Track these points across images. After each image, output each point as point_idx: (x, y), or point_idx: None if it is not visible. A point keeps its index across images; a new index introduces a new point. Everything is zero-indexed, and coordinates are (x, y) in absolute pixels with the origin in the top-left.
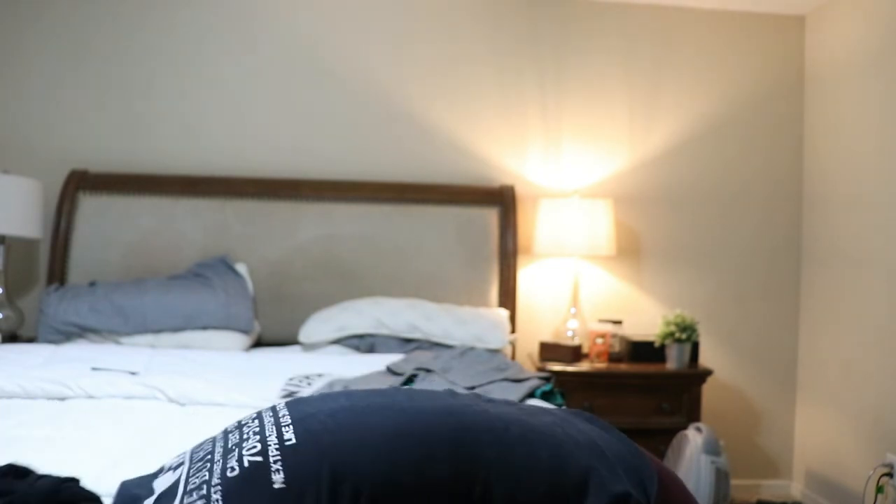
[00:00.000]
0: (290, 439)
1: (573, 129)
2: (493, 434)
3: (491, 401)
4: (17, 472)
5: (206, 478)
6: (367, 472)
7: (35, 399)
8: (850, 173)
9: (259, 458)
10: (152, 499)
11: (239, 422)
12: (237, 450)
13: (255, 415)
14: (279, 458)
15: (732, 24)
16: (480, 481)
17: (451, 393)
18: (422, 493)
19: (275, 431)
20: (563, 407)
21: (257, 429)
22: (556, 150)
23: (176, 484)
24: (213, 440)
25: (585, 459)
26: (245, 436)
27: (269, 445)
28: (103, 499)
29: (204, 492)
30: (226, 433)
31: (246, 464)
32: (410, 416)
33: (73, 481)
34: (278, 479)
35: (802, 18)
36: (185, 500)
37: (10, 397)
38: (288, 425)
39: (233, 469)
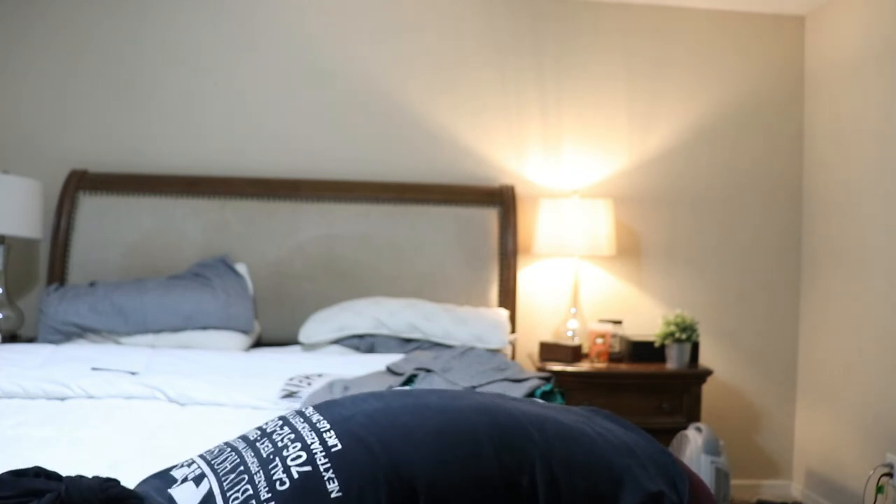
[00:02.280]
0: (335, 445)
1: (573, 129)
2: (531, 431)
3: (515, 399)
4: (47, 475)
5: (251, 492)
6: (420, 472)
7: (35, 399)
8: (849, 173)
9: (308, 468)
10: None
11: (262, 430)
12: (278, 459)
13: (278, 421)
14: (329, 465)
15: (732, 24)
16: (526, 476)
17: (474, 392)
18: (473, 489)
19: (316, 438)
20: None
21: (292, 436)
22: (556, 150)
23: (210, 498)
24: (236, 450)
25: (619, 458)
26: (281, 444)
27: (315, 453)
28: None
29: (247, 496)
30: (251, 443)
31: (295, 475)
32: (448, 415)
33: (114, 482)
34: (333, 487)
35: (802, 18)
36: None
37: (9, 397)
38: (328, 430)
39: (282, 482)
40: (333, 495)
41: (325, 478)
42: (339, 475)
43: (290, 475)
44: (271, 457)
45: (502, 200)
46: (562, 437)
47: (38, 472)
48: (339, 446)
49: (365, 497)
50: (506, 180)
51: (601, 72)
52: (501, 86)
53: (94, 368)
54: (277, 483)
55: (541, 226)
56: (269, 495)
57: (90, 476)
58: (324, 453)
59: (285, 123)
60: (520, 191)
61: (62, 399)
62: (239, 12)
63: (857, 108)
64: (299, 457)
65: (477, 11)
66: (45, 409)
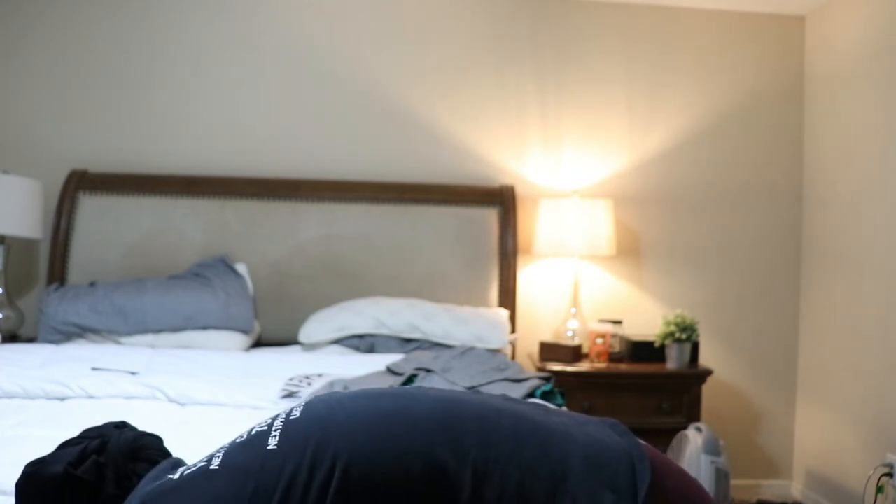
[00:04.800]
0: (294, 415)
1: (573, 129)
2: (480, 423)
3: (514, 401)
4: (120, 427)
5: (221, 447)
6: (346, 443)
7: (35, 399)
8: (850, 173)
9: (264, 428)
10: (174, 460)
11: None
12: (256, 427)
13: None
14: (280, 427)
15: (732, 24)
16: (454, 466)
17: (475, 392)
18: (394, 468)
19: (290, 410)
20: (564, 408)
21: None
22: (556, 150)
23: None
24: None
25: (573, 462)
26: (271, 417)
27: (277, 418)
28: None
29: (211, 454)
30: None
31: (252, 433)
32: (404, 401)
33: (156, 438)
34: (272, 442)
35: (802, 18)
36: (197, 463)
37: (10, 397)
38: (300, 406)
39: (241, 437)
40: (268, 448)
41: (271, 435)
42: (283, 435)
43: (249, 433)
44: (253, 427)
45: (502, 200)
46: (515, 433)
47: (117, 424)
48: (297, 415)
49: (291, 454)
50: (506, 180)
51: (601, 72)
52: (501, 86)
53: (94, 368)
54: (238, 438)
55: (541, 226)
56: (226, 446)
57: (148, 432)
58: (283, 419)
59: (285, 123)
60: (520, 191)
61: (62, 399)
62: (239, 12)
63: (857, 108)
64: (266, 422)
65: (477, 12)
66: (45, 409)
